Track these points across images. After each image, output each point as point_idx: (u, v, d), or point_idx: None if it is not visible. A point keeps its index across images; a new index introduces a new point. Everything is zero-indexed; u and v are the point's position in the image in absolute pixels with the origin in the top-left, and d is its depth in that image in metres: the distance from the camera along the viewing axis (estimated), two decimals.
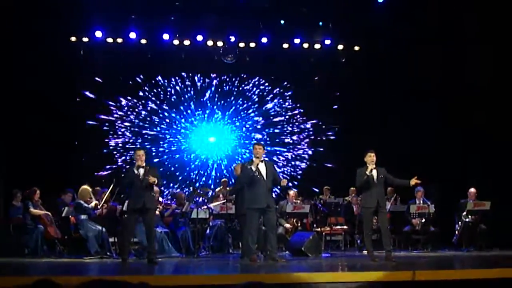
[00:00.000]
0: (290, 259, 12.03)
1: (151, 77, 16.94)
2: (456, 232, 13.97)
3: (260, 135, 17.40)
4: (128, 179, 10.59)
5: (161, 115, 17.05)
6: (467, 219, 13.81)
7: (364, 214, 10.89)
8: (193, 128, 17.26)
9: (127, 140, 16.72)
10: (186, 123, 17.21)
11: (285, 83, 17.48)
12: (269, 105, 17.51)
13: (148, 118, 16.96)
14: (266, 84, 17.52)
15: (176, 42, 16.20)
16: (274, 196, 10.81)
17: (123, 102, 16.78)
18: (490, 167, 14.54)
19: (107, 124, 16.59)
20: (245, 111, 17.46)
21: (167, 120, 17.09)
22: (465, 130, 15.01)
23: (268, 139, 17.35)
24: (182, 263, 11.33)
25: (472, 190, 13.89)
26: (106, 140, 16.55)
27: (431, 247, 13.67)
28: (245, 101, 17.46)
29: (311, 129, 17.57)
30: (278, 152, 17.43)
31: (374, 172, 10.63)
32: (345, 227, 14.51)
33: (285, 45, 16.66)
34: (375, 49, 16.21)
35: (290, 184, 13.87)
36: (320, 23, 16.29)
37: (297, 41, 16.57)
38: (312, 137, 17.53)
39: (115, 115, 16.70)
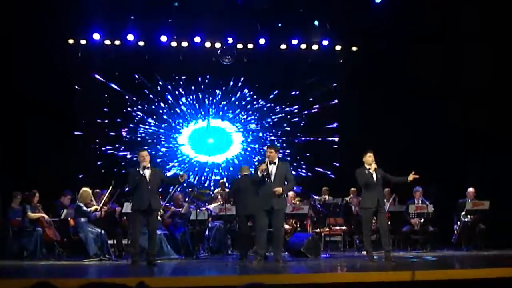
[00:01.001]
0: (290, 260, 12.03)
1: (149, 79, 16.91)
2: (455, 232, 13.98)
3: (252, 135, 17.42)
4: (134, 180, 10.56)
5: (159, 117, 17.03)
6: (466, 219, 13.82)
7: (364, 215, 10.87)
8: (191, 129, 17.24)
9: (126, 141, 16.70)
10: (184, 124, 17.19)
11: (283, 84, 17.46)
12: (268, 106, 17.50)
13: (147, 119, 16.94)
14: (264, 85, 17.49)
15: (174, 43, 16.20)
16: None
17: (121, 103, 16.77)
18: (489, 167, 14.53)
19: (106, 125, 16.58)
20: (244, 112, 17.44)
21: (166, 122, 17.07)
22: (464, 130, 15.01)
23: (267, 140, 17.34)
24: (181, 264, 11.34)
25: (471, 189, 13.90)
26: (105, 140, 16.55)
27: (430, 247, 13.67)
28: (244, 102, 17.44)
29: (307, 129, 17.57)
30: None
31: (374, 173, 10.64)
32: (344, 227, 14.52)
33: (283, 46, 16.67)
34: (373, 50, 16.21)
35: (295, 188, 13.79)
36: (317, 23, 16.27)
37: (294, 42, 16.57)
38: (310, 138, 17.52)
39: (114, 117, 16.69)
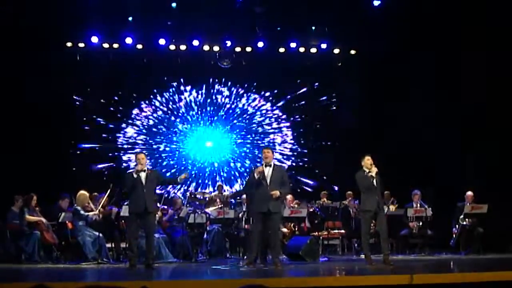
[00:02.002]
0: (288, 263, 12.02)
1: (147, 82, 16.90)
2: (454, 235, 13.96)
3: (248, 138, 17.43)
4: (129, 183, 10.54)
5: (157, 120, 17.03)
6: (465, 222, 13.80)
7: (363, 218, 10.86)
8: (190, 132, 17.24)
9: (124, 145, 16.69)
10: (183, 127, 17.19)
11: (281, 87, 17.47)
12: (265, 108, 17.51)
13: (145, 123, 16.93)
14: (262, 88, 17.49)
15: (172, 47, 16.20)
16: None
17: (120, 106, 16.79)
18: (487, 170, 14.52)
19: (104, 128, 16.57)
20: (242, 116, 17.44)
21: (164, 125, 17.06)
22: (463, 133, 15.00)
23: (263, 142, 17.37)
24: (180, 268, 11.32)
25: (470, 193, 13.87)
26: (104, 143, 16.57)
27: (429, 250, 13.65)
28: (242, 106, 17.44)
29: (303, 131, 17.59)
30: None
31: (374, 176, 10.63)
32: (342, 231, 14.51)
33: (281, 49, 16.68)
34: (371, 53, 16.21)
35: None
36: (313, 28, 16.31)
37: (293, 45, 16.60)
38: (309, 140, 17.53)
39: (113, 120, 16.69)
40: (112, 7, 14.99)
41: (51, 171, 14.64)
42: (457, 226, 13.90)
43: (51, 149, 14.93)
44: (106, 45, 15.96)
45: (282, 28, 16.32)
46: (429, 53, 15.18)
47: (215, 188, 16.02)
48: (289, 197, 13.71)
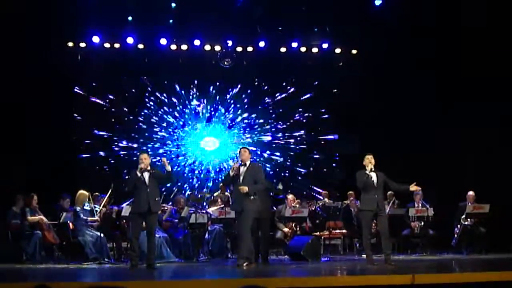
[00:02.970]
0: (289, 263, 12.02)
1: (148, 82, 16.90)
2: (455, 235, 13.95)
3: (252, 138, 17.43)
4: (131, 182, 10.55)
5: (158, 119, 17.03)
6: (466, 222, 13.80)
7: (364, 217, 10.83)
8: (191, 132, 17.23)
9: (126, 144, 16.69)
10: (184, 127, 17.18)
11: (283, 86, 17.46)
12: (267, 109, 17.51)
13: (146, 123, 16.94)
14: (264, 88, 17.48)
15: (173, 46, 16.20)
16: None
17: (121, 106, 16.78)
18: (489, 170, 14.50)
19: (105, 127, 16.57)
20: (243, 115, 17.43)
21: (165, 125, 17.06)
22: (464, 133, 14.97)
23: (266, 143, 17.37)
24: (181, 268, 11.32)
25: (471, 193, 13.87)
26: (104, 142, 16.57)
27: (430, 250, 13.65)
28: (243, 106, 17.43)
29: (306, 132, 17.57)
30: (275, 156, 17.45)
31: (374, 176, 10.61)
32: (344, 231, 14.51)
33: (283, 49, 16.68)
34: (372, 53, 16.19)
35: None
36: (315, 29, 16.31)
37: (294, 45, 16.59)
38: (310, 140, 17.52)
39: (113, 119, 16.69)
40: (113, 7, 14.99)
41: (53, 171, 14.62)
42: (458, 226, 13.90)
43: (52, 149, 14.91)
44: (107, 45, 15.96)
45: (283, 27, 16.31)
46: (430, 52, 15.16)
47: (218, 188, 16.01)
48: (290, 197, 13.73)
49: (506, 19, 14.02)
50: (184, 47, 16.28)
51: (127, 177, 10.91)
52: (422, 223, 13.85)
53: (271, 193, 12.52)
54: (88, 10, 14.62)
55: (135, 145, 16.67)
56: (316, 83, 17.23)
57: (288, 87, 17.38)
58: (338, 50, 16.83)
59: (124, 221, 12.63)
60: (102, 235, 12.02)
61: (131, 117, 16.73)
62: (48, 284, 4.73)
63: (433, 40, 15.11)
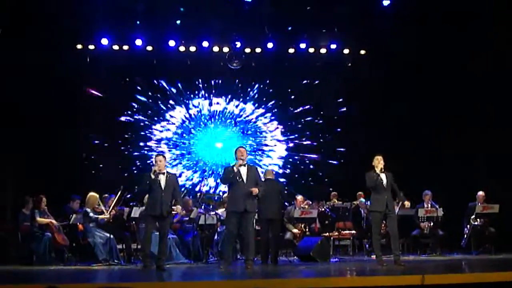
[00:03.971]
0: (299, 264, 12.02)
1: (157, 84, 16.95)
2: (465, 235, 13.92)
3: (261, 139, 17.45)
4: (144, 184, 10.57)
5: (164, 120, 17.11)
6: (476, 223, 13.77)
7: (373, 218, 10.83)
8: (200, 134, 17.26)
9: (135, 146, 16.75)
10: (193, 129, 17.21)
11: (291, 87, 17.48)
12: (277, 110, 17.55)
13: (155, 125, 16.99)
14: (272, 89, 17.50)
15: (182, 48, 16.23)
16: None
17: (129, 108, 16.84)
18: (499, 170, 14.46)
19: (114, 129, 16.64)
20: (252, 116, 17.45)
21: (173, 126, 17.12)
22: (474, 132, 14.93)
23: (273, 144, 17.38)
24: (191, 269, 11.32)
25: (481, 193, 13.83)
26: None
27: (440, 251, 13.62)
28: (252, 106, 17.45)
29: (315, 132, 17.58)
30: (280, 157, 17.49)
31: (383, 176, 10.61)
32: (353, 231, 14.49)
33: (291, 50, 16.67)
34: (381, 53, 16.17)
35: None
36: (324, 30, 16.31)
37: (303, 45, 16.58)
38: (319, 141, 17.52)
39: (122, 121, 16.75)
40: (122, 9, 15.02)
41: (62, 172, 14.67)
42: (468, 226, 13.86)
43: (61, 150, 14.97)
44: (116, 47, 16.00)
45: (291, 28, 16.31)
46: (439, 52, 15.13)
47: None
48: (299, 197, 13.73)
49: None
50: (192, 48, 16.30)
51: (140, 181, 10.85)
52: (432, 224, 13.81)
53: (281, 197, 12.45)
54: (97, 12, 14.64)
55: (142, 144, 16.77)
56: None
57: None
58: (346, 51, 16.82)
59: (134, 222, 12.67)
60: (111, 236, 12.04)
61: (141, 119, 16.80)
62: (58, 285, 4.74)
63: (442, 40, 15.05)
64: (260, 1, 15.35)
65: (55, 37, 14.54)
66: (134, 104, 16.84)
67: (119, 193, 12.36)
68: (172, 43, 16.04)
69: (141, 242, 11.22)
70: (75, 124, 15.68)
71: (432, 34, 15.07)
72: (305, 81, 17.41)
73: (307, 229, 13.66)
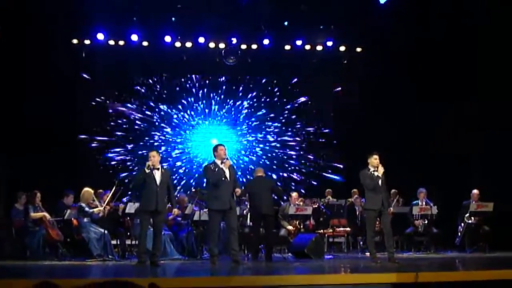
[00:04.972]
0: (293, 261, 12.02)
1: (152, 79, 16.92)
2: (459, 233, 13.94)
3: (261, 135, 17.44)
4: (139, 179, 10.58)
5: (158, 116, 17.08)
6: (470, 221, 13.79)
7: (368, 216, 10.83)
8: (195, 130, 17.25)
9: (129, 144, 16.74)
10: (187, 125, 17.19)
11: (287, 84, 17.48)
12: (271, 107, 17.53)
13: (149, 121, 16.97)
14: (268, 86, 17.50)
15: (178, 44, 16.21)
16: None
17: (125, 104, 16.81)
18: (493, 168, 14.48)
19: (108, 127, 16.61)
20: (248, 113, 17.44)
21: (166, 122, 17.11)
22: (468, 131, 14.95)
23: (270, 140, 17.37)
24: (185, 265, 11.32)
25: (475, 191, 13.85)
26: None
27: (434, 248, 13.64)
28: (248, 103, 17.44)
29: (311, 130, 17.57)
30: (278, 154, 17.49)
31: (380, 175, 10.60)
32: (347, 229, 14.50)
33: (287, 47, 16.66)
34: (377, 50, 16.17)
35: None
36: (321, 27, 16.30)
37: (299, 42, 16.57)
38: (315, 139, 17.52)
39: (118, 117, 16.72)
40: (118, 4, 14.98)
41: (55, 167, 14.63)
42: (462, 224, 13.89)
43: (54, 145, 14.93)
44: (111, 42, 15.97)
45: (287, 25, 16.29)
46: (435, 50, 15.13)
47: None
48: (294, 194, 13.75)
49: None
50: (188, 44, 16.28)
51: (136, 175, 10.87)
52: (426, 221, 13.83)
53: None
54: (93, 7, 14.60)
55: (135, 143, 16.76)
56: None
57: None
58: (342, 48, 16.82)
59: (128, 218, 12.65)
60: (106, 232, 12.02)
61: (136, 115, 16.76)
62: (52, 280, 4.72)
63: (438, 38, 15.06)
64: None
65: (50, 32, 14.49)
66: (130, 99, 16.82)
67: (114, 188, 12.34)
68: (168, 38, 16.01)
69: (137, 238, 11.19)
70: (70, 118, 15.63)
71: (428, 31, 15.07)
72: (300, 78, 17.40)
73: (301, 226, 13.67)
